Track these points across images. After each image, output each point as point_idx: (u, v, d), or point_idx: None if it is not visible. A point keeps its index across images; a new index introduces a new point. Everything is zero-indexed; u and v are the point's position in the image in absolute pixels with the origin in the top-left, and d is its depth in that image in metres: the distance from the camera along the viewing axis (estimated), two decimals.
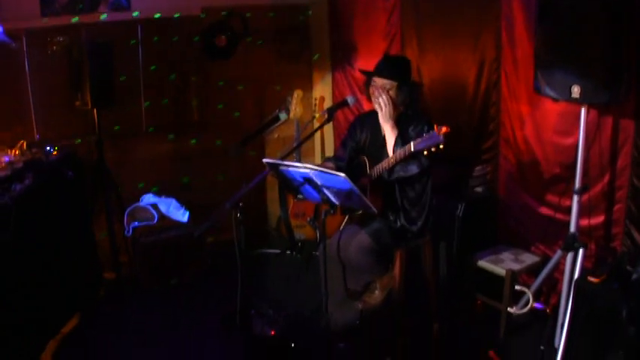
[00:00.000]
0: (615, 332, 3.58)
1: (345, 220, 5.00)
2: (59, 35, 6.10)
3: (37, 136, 6.04)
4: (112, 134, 6.48)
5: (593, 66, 4.07)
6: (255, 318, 5.04)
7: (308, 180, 3.91)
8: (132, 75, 6.60)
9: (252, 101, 7.45)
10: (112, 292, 6.19)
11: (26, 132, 5.98)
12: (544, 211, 5.24)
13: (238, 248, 4.16)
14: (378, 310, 4.94)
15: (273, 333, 4.99)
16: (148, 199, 6.64)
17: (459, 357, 4.96)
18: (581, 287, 3.91)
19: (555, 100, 4.42)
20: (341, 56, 7.42)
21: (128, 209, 6.50)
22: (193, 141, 7.16)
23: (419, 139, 4.29)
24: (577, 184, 4.52)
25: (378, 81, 4.76)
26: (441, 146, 4.18)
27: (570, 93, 4.20)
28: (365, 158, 4.86)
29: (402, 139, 4.59)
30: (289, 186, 4.25)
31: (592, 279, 3.85)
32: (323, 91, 7.73)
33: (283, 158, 4.24)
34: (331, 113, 4.77)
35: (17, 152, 5.35)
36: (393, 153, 4.58)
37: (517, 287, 5.02)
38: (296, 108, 6.96)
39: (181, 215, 6.60)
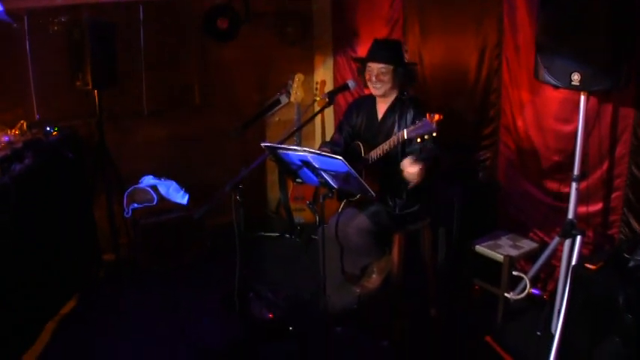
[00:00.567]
0: (612, 319, 3.59)
1: (344, 202, 5.02)
2: (60, 15, 6.08)
3: (37, 117, 6.03)
4: (113, 115, 6.48)
5: (594, 53, 4.05)
6: (253, 301, 5.06)
7: (306, 163, 3.92)
8: (133, 56, 6.58)
9: (254, 84, 7.45)
10: (111, 273, 6.21)
11: (27, 112, 5.96)
12: (543, 197, 5.24)
13: (238, 230, 4.17)
14: (376, 294, 4.96)
15: (271, 316, 5.01)
16: (148, 180, 6.64)
17: (456, 342, 4.97)
18: (578, 274, 3.92)
19: (555, 87, 4.41)
20: (343, 40, 7.41)
21: (128, 191, 6.50)
22: (194, 123, 7.16)
23: (412, 127, 4.32)
24: (576, 171, 4.51)
25: (374, 66, 4.79)
26: (434, 134, 4.19)
27: (570, 80, 4.19)
28: (360, 143, 4.88)
29: (403, 126, 4.63)
30: (288, 169, 4.27)
31: (589, 266, 3.86)
32: (324, 74, 7.73)
33: (283, 141, 4.25)
34: (332, 97, 4.78)
35: (17, 132, 5.35)
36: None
37: (515, 273, 5.03)
38: (297, 91, 6.98)
39: (181, 197, 6.61)
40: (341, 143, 5.07)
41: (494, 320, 5.11)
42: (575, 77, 4.15)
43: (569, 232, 4.50)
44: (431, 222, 5.05)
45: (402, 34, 6.40)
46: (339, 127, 5.21)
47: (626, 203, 4.61)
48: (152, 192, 6.52)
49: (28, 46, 5.96)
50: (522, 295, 5.02)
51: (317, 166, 3.88)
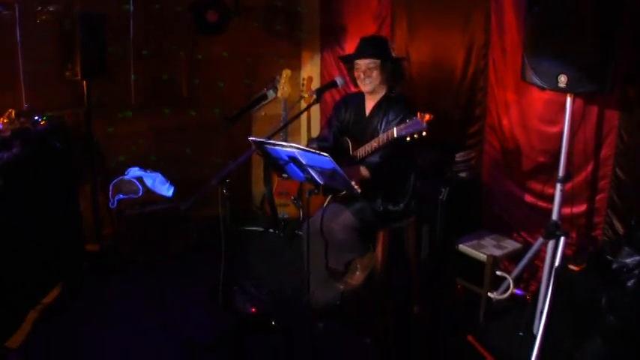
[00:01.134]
0: (594, 320, 3.61)
1: (329, 198, 5.03)
2: (51, 5, 6.06)
3: (25, 106, 6.00)
4: (101, 106, 6.44)
5: (581, 56, 4.08)
6: (237, 294, 5.07)
7: (293, 159, 3.93)
8: (122, 47, 6.56)
9: (241, 78, 7.44)
10: (95, 263, 6.19)
11: (15, 101, 5.93)
12: (527, 198, 5.26)
13: (224, 225, 4.18)
14: (359, 291, 4.98)
15: (254, 310, 5.02)
16: (134, 172, 6.62)
17: (439, 340, 4.98)
18: (561, 275, 3.93)
19: (542, 88, 4.43)
20: (330, 36, 7.43)
21: (113, 182, 6.49)
22: (181, 116, 7.14)
23: (402, 125, 4.30)
24: (561, 172, 4.54)
25: (362, 62, 4.79)
26: (424, 133, 4.21)
27: (557, 82, 4.22)
28: (348, 139, 4.89)
29: (385, 123, 4.68)
30: (274, 164, 4.28)
31: (572, 267, 3.87)
32: (311, 71, 7.74)
33: (270, 137, 4.26)
34: (320, 94, 4.82)
35: (5, 121, 5.33)
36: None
37: (498, 273, 5.05)
38: (284, 87, 6.98)
39: (166, 190, 6.60)
40: (330, 138, 5.08)
41: (477, 319, 5.14)
42: (562, 79, 4.18)
43: (553, 233, 4.51)
44: (415, 220, 5.07)
45: (390, 30, 6.43)
46: (328, 122, 5.21)
47: (610, 205, 4.64)
48: (138, 183, 6.51)
49: (18, 35, 5.92)
50: (505, 295, 5.04)
51: (304, 162, 3.89)
